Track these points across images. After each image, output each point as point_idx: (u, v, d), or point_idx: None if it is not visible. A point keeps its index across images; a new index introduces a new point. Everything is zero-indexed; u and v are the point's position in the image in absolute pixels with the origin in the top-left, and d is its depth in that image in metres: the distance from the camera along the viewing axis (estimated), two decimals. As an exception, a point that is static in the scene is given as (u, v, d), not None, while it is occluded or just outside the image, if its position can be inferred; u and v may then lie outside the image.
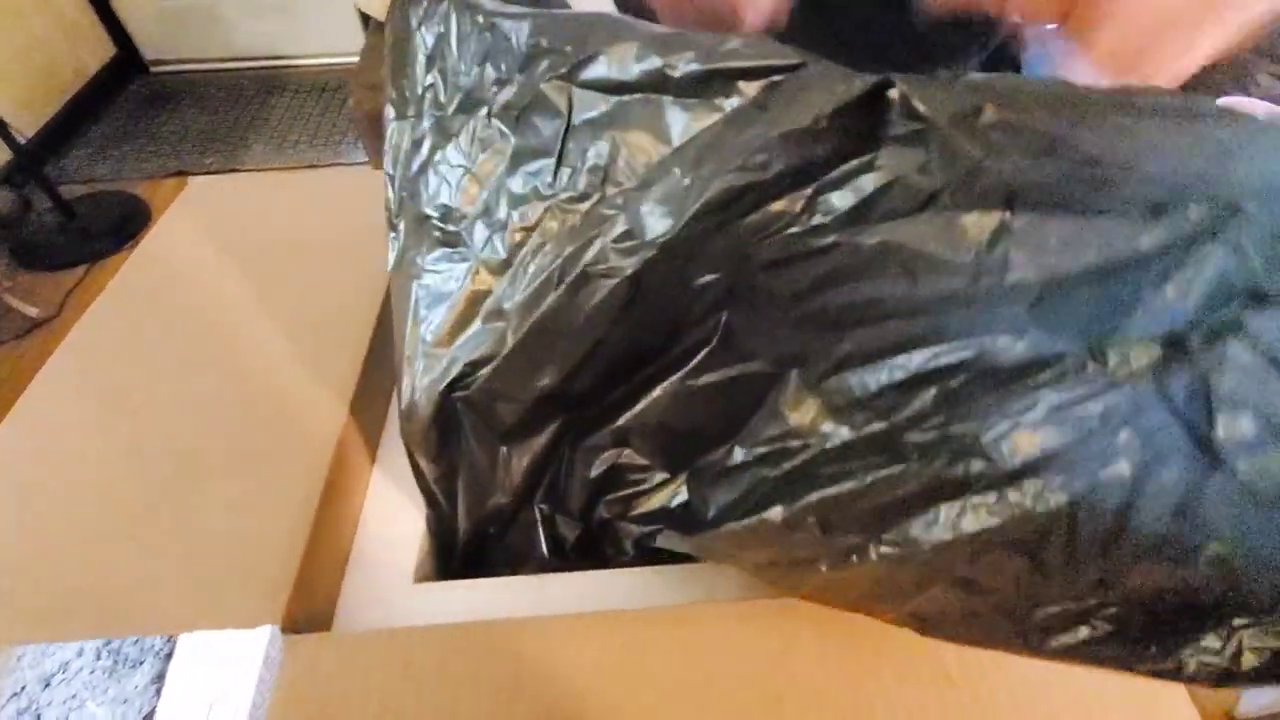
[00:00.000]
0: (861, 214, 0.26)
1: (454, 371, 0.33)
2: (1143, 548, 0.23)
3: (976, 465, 0.25)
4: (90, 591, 0.35)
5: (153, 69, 2.17)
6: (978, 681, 0.31)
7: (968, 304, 0.25)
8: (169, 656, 0.34)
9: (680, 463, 0.35)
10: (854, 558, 0.28)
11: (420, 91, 0.34)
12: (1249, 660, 0.23)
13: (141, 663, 0.34)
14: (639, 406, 0.33)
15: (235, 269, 0.51)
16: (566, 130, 0.27)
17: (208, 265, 0.52)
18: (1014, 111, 0.24)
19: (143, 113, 2.01)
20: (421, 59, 0.34)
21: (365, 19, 0.47)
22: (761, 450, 0.30)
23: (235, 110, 2.01)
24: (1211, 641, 0.23)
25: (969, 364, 0.25)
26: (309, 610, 0.35)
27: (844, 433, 0.28)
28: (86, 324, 0.48)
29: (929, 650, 0.31)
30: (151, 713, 0.32)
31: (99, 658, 0.34)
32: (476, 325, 0.33)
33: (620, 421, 0.34)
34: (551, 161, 0.28)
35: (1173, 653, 0.24)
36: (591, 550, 0.41)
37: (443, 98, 0.33)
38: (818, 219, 0.26)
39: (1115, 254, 0.24)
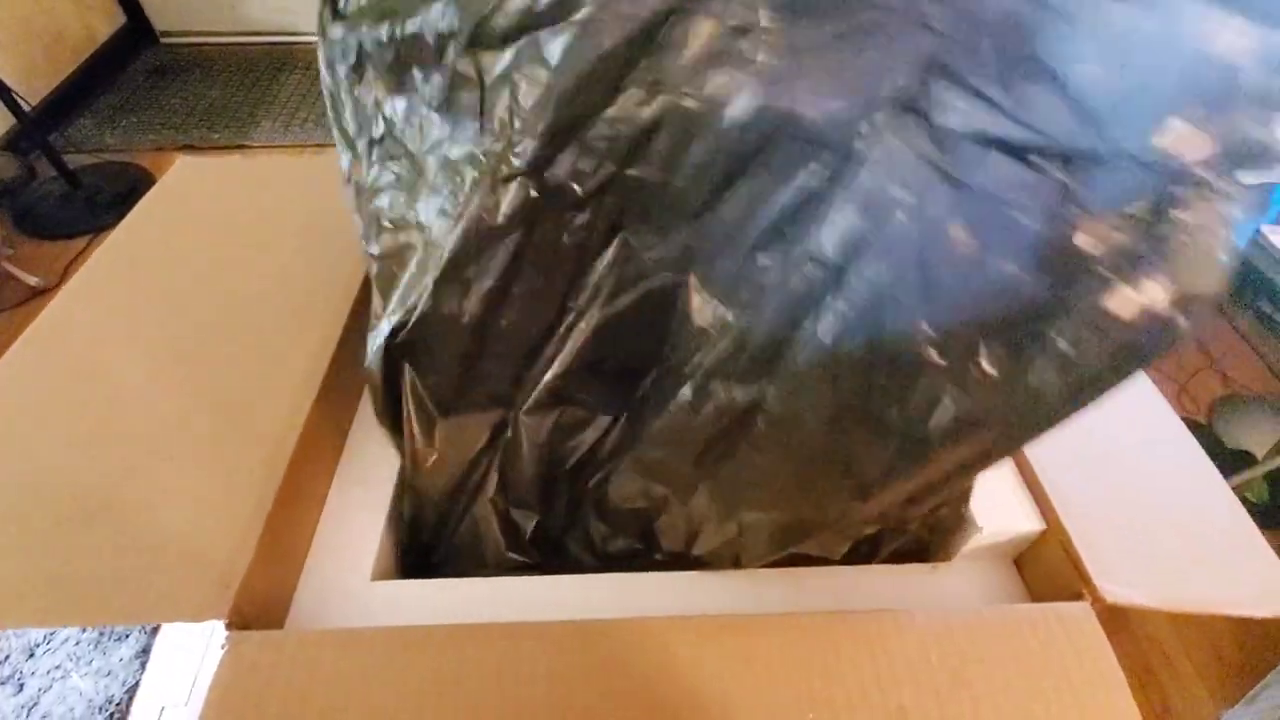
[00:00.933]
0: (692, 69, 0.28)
1: (394, 320, 0.35)
2: (952, 289, 0.26)
3: (815, 271, 0.28)
4: (39, 577, 0.34)
5: (163, 40, 2.16)
6: (931, 713, 0.32)
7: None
8: (155, 631, 0.34)
9: (618, 403, 0.37)
10: (760, 419, 0.31)
11: (359, 125, 0.36)
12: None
13: (127, 636, 0.34)
14: (567, 348, 0.35)
15: (212, 252, 0.51)
16: (482, 93, 0.30)
17: (184, 247, 0.51)
18: None
19: (151, 84, 2.00)
20: (349, 95, 0.36)
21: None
22: (678, 360, 0.33)
23: (244, 85, 2.01)
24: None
25: (798, 200, 0.28)
26: (261, 606, 0.35)
27: (744, 315, 0.30)
28: (57, 307, 0.47)
29: (881, 684, 0.32)
30: (135, 686, 0.32)
31: (84, 629, 0.34)
32: (421, 280, 0.34)
33: (552, 374, 0.36)
34: (478, 124, 0.31)
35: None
36: (553, 544, 0.41)
37: (394, 129, 0.35)
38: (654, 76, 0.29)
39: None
